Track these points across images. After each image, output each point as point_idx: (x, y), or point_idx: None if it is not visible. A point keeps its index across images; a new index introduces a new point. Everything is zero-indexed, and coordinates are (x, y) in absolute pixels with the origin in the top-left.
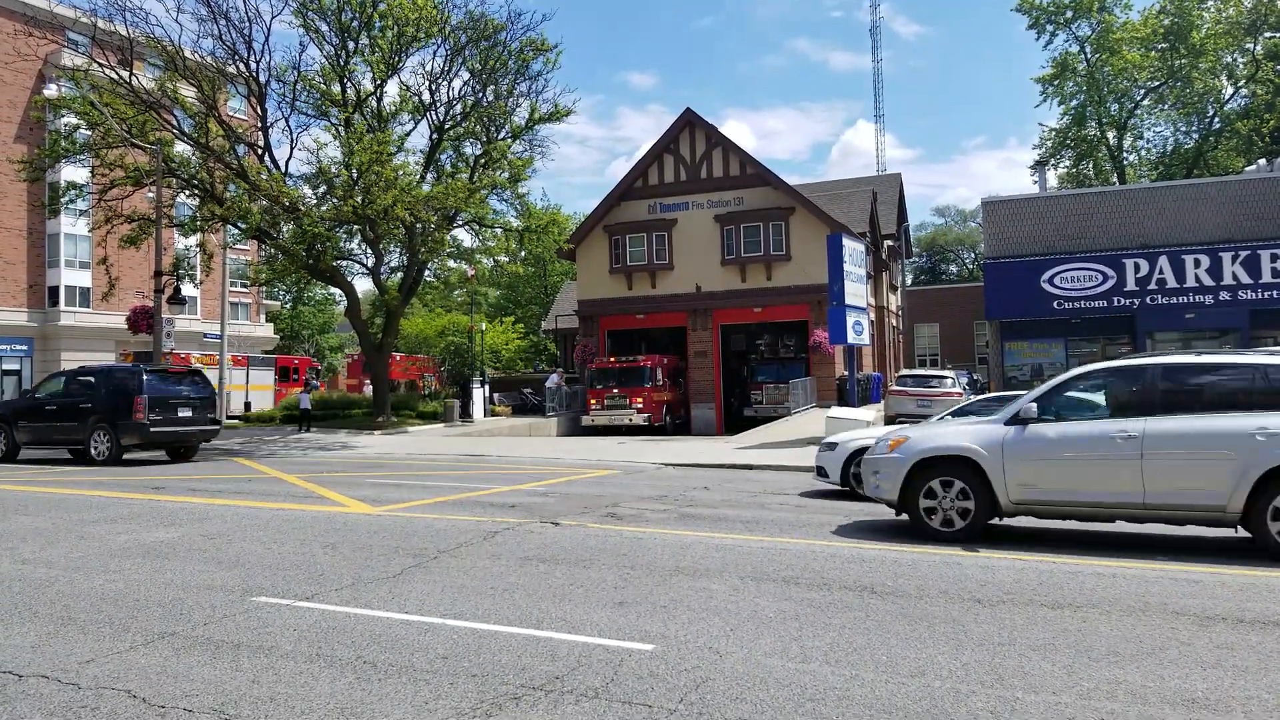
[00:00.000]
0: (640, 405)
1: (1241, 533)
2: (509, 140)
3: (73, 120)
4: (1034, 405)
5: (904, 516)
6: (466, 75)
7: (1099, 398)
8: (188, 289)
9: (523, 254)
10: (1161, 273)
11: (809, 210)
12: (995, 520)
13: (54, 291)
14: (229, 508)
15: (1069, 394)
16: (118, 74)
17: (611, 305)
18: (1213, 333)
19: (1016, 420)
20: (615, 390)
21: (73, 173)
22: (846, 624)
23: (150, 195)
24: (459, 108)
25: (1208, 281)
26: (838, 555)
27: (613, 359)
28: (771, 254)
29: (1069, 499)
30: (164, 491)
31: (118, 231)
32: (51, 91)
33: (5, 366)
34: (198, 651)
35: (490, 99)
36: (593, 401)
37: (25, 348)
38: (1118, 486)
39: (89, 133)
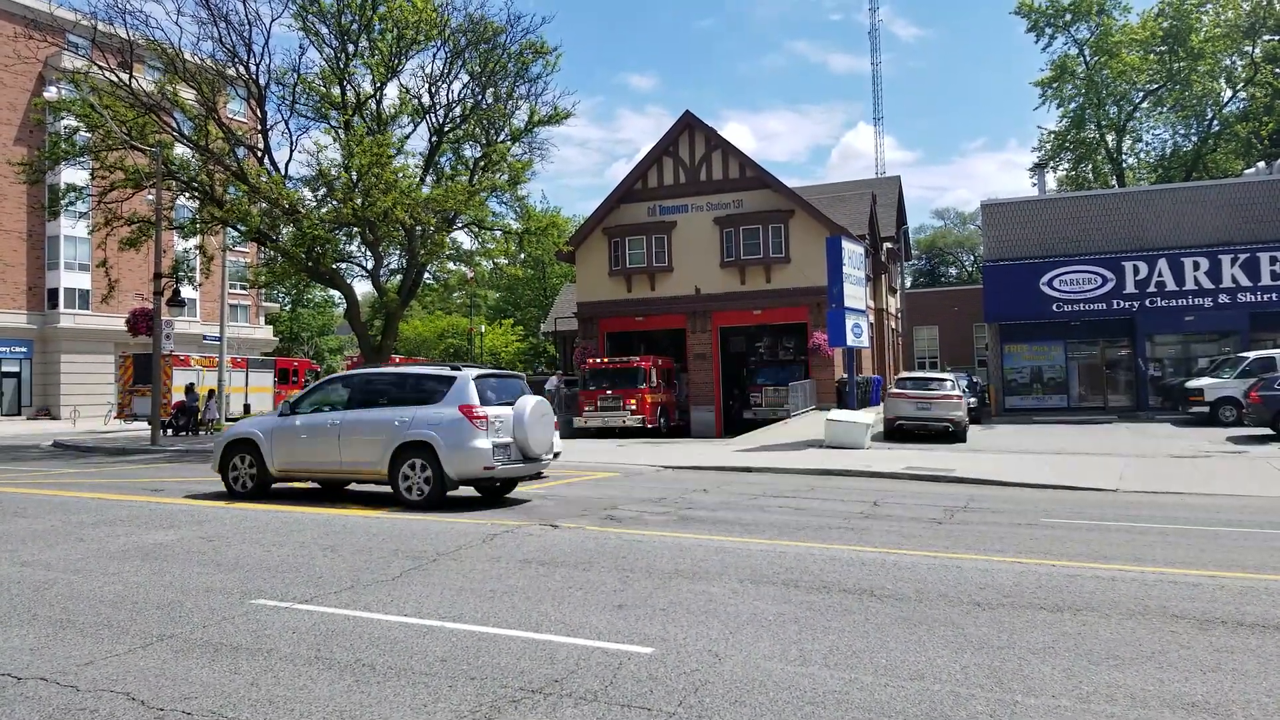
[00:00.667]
0: (634, 407)
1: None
2: (508, 143)
3: (73, 123)
4: (287, 404)
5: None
6: (466, 78)
7: (332, 396)
8: (187, 291)
9: (522, 256)
10: (1161, 275)
11: (808, 213)
12: (274, 484)
13: (53, 294)
14: (227, 510)
15: (315, 394)
16: (118, 76)
17: (611, 307)
18: (1212, 335)
19: (283, 413)
20: (608, 391)
21: (72, 175)
22: (846, 627)
23: (150, 197)
24: (458, 110)
25: (1207, 284)
26: (837, 558)
27: (606, 359)
28: (771, 256)
29: (306, 466)
30: (162, 494)
31: (117, 234)
32: (51, 94)
33: (5, 369)
34: (196, 654)
35: (490, 101)
36: (585, 403)
37: (25, 350)
38: (330, 457)
39: (89, 135)
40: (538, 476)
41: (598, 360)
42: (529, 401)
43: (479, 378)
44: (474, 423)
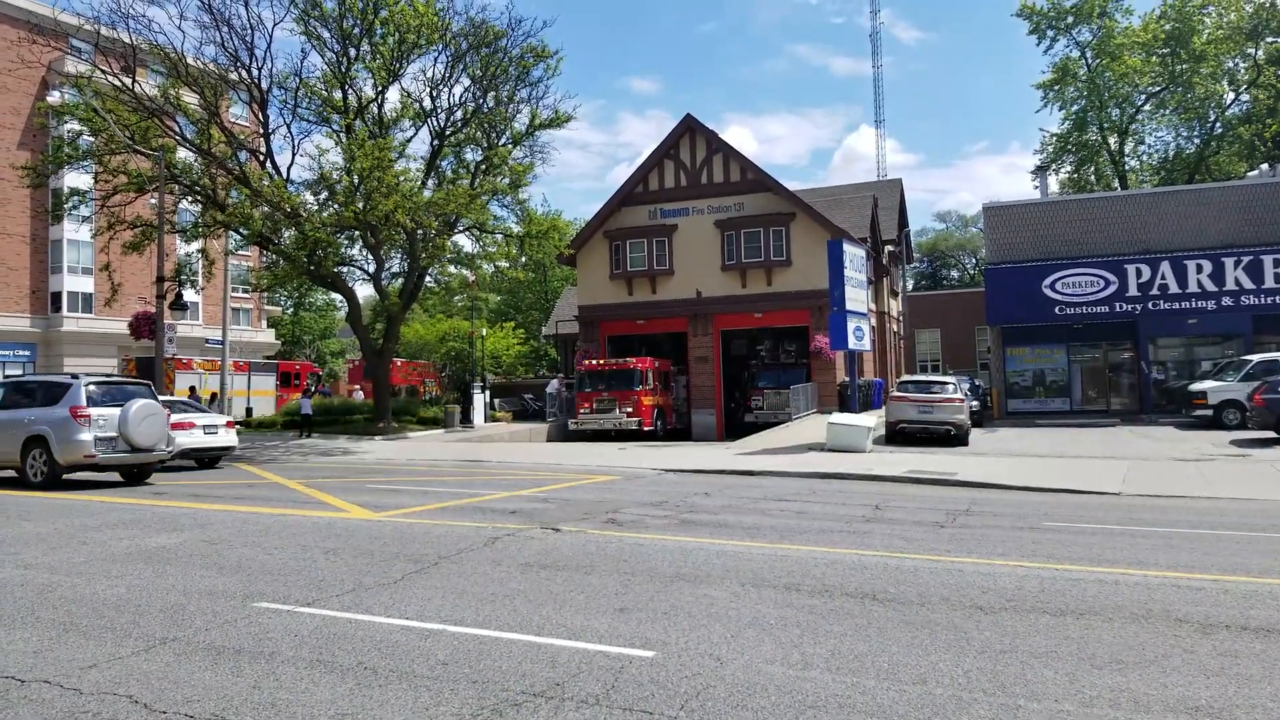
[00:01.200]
0: (630, 409)
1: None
2: (509, 146)
3: (76, 127)
4: None
5: None
6: (467, 81)
7: None
8: (189, 295)
9: (523, 259)
10: (1164, 278)
11: (809, 216)
12: None
13: (56, 297)
14: (230, 513)
15: None
16: (121, 81)
17: (612, 310)
18: (1215, 338)
19: None
20: (604, 393)
21: (76, 179)
22: (848, 631)
23: (153, 201)
24: (460, 114)
25: (1210, 287)
26: (839, 562)
27: (601, 361)
28: (772, 259)
29: None
30: (165, 497)
31: (120, 237)
32: (55, 98)
33: (8, 372)
34: (199, 657)
35: (491, 105)
36: (581, 405)
37: (28, 353)
38: None
39: (92, 139)
40: (165, 467)
41: (593, 362)
42: (135, 404)
43: (96, 384)
44: (78, 420)
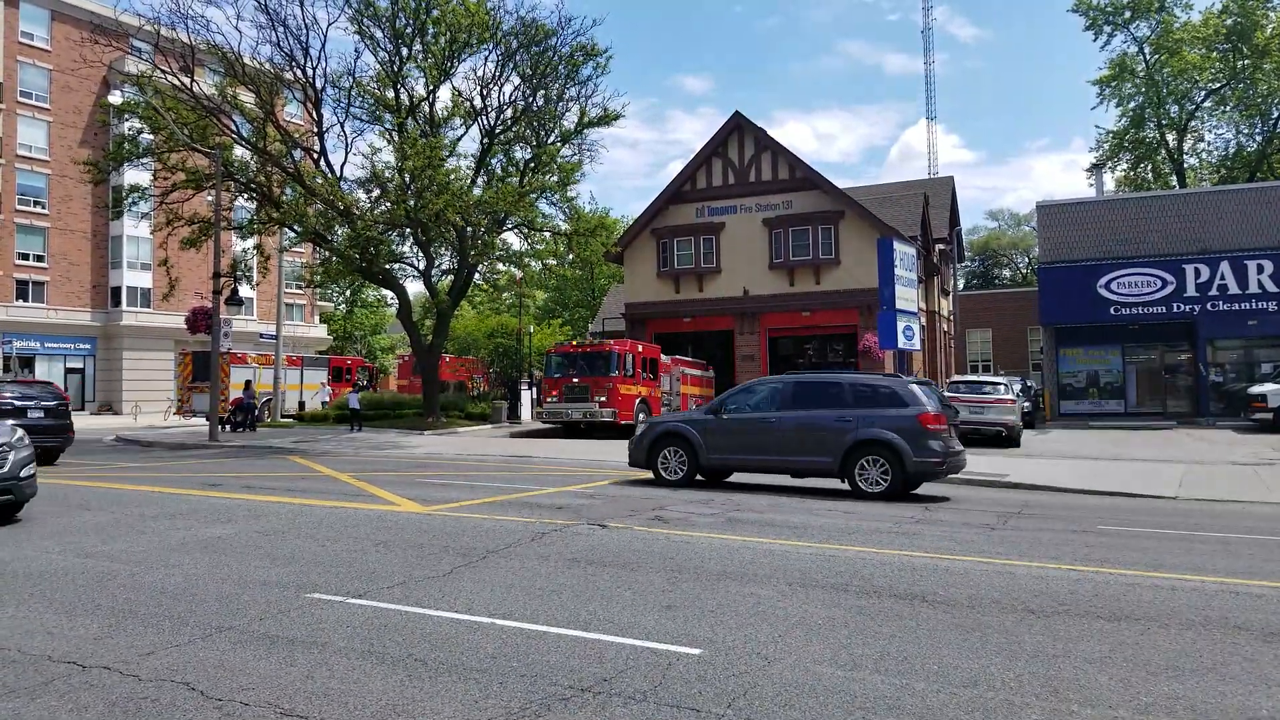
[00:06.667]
0: (604, 399)
1: None
2: (558, 144)
3: (136, 125)
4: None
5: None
6: (517, 80)
7: None
8: (244, 290)
9: (570, 257)
10: (1223, 278)
11: (859, 214)
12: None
13: (116, 292)
14: (283, 505)
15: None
16: (179, 80)
17: (658, 309)
18: (1276, 339)
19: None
20: (575, 380)
21: (135, 176)
22: (897, 632)
23: (209, 198)
24: (509, 112)
25: (1271, 288)
26: (888, 563)
27: (575, 343)
28: (820, 258)
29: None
30: (220, 489)
31: (178, 234)
32: (116, 97)
33: (69, 365)
34: (253, 646)
35: (540, 104)
36: (549, 392)
37: (89, 347)
38: None
39: (152, 137)
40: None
41: (565, 344)
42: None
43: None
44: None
